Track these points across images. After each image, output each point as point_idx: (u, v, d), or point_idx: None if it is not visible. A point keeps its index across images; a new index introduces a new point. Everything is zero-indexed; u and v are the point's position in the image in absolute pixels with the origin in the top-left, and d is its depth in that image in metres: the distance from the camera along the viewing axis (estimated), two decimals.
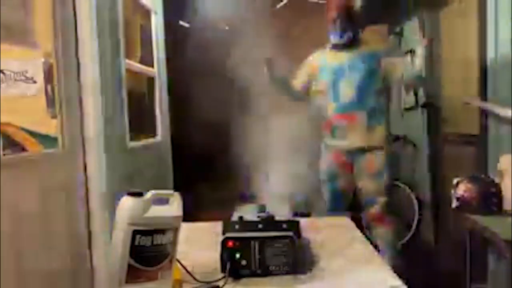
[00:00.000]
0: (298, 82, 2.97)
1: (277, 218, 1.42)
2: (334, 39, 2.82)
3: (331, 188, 2.90)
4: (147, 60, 3.59)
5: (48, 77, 2.30)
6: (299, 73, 2.99)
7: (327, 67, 2.83)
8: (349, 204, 2.95)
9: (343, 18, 2.78)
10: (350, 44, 2.79)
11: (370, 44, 2.88)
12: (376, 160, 2.80)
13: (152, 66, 3.65)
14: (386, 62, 2.79)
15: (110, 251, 1.06)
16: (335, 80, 2.77)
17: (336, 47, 2.83)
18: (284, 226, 1.36)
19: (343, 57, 2.79)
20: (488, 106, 2.58)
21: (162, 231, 1.09)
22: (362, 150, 2.79)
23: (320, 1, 4.34)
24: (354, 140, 2.78)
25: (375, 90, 2.77)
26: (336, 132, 2.81)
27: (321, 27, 3.36)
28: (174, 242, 1.13)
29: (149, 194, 1.08)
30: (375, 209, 2.82)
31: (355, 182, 2.88)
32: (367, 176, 2.82)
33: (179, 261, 1.25)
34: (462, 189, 2.28)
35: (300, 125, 3.86)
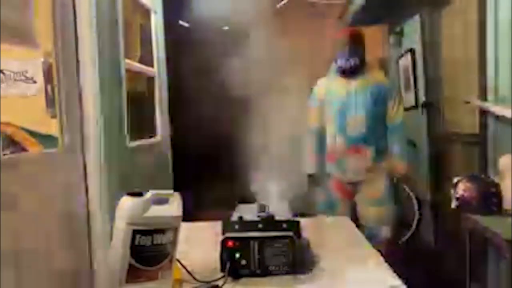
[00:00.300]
0: (313, 122, 2.93)
1: (277, 218, 1.42)
2: (340, 62, 2.77)
3: (329, 212, 2.83)
4: (147, 60, 3.58)
5: (48, 77, 2.30)
6: (311, 111, 2.94)
7: (334, 95, 2.79)
8: None
9: (353, 43, 2.75)
10: (356, 71, 2.76)
11: (374, 74, 2.84)
12: (379, 187, 2.78)
13: (152, 66, 3.65)
14: (390, 105, 2.76)
15: (110, 251, 1.06)
16: (342, 110, 2.74)
17: (342, 72, 2.79)
18: (284, 226, 1.36)
19: (350, 87, 2.75)
20: (488, 106, 2.58)
21: (162, 231, 1.09)
22: (364, 182, 2.78)
23: (321, 1, 4.34)
24: (360, 173, 2.76)
25: (381, 125, 2.75)
26: (341, 164, 2.78)
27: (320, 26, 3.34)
28: (174, 242, 1.13)
29: (148, 194, 1.08)
30: (379, 246, 2.77)
31: (355, 208, 2.84)
32: (369, 203, 2.79)
33: (179, 261, 1.25)
34: (462, 188, 2.28)
35: (301, 124, 3.87)
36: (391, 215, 2.82)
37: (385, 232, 2.78)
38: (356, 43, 2.77)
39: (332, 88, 2.82)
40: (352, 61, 2.73)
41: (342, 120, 2.73)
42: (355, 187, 2.81)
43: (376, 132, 2.73)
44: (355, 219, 2.81)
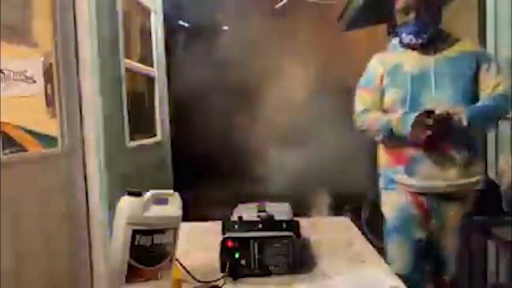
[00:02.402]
0: (363, 105, 1.99)
1: (277, 218, 1.42)
2: (407, 38, 1.89)
3: (406, 240, 1.92)
4: (147, 60, 3.59)
5: (48, 76, 2.30)
6: (363, 93, 2.01)
7: (401, 73, 1.90)
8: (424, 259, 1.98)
9: (422, 9, 1.83)
10: (432, 43, 1.88)
11: (463, 43, 1.92)
12: (467, 209, 1.90)
13: (152, 66, 3.65)
14: (484, 79, 1.85)
15: (110, 251, 1.06)
16: (414, 92, 1.86)
17: (413, 46, 1.91)
18: (284, 226, 1.36)
19: (427, 61, 1.88)
20: None
21: (161, 231, 1.09)
22: (452, 195, 1.86)
23: (320, 1, 4.34)
24: (444, 179, 1.84)
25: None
26: (415, 167, 1.86)
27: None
28: (174, 242, 1.13)
29: (148, 194, 1.08)
30: (449, 276, 1.96)
31: (429, 232, 1.92)
32: (451, 232, 1.90)
33: (179, 261, 1.25)
34: None
35: (302, 124, 3.87)
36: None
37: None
38: (426, 7, 1.84)
39: (398, 64, 1.92)
40: (426, 36, 1.85)
41: (415, 105, 1.83)
42: (436, 206, 1.88)
43: None
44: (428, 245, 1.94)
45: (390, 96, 1.93)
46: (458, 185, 1.84)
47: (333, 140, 3.44)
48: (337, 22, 4.94)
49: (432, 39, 1.87)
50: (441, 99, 1.83)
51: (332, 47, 4.27)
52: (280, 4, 4.46)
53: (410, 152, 1.86)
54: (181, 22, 4.53)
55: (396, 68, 1.93)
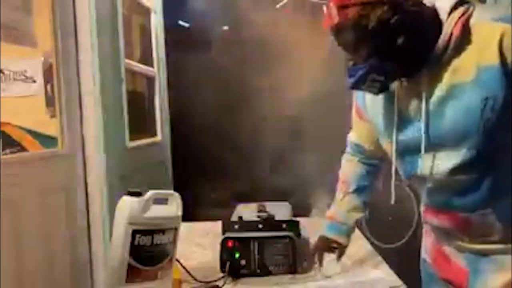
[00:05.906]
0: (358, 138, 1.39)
1: (277, 218, 1.42)
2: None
3: None
4: (147, 60, 3.58)
5: (48, 76, 2.30)
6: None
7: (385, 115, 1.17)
8: None
9: (350, 38, 1.04)
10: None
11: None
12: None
13: (152, 66, 3.65)
14: None
15: (110, 251, 1.06)
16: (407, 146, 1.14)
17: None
18: (284, 226, 1.37)
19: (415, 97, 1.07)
20: None
21: (161, 231, 1.09)
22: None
23: (320, 1, 4.34)
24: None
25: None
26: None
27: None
28: (173, 242, 1.13)
29: (148, 194, 1.08)
30: None
31: None
32: None
33: (179, 261, 1.25)
34: None
35: (302, 123, 3.87)
36: None
37: None
38: (360, 35, 1.02)
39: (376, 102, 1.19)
40: (357, 75, 1.07)
41: (412, 161, 1.15)
42: (471, 266, 1.14)
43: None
44: None
45: (386, 143, 1.22)
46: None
47: (333, 140, 3.43)
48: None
49: (366, 82, 1.06)
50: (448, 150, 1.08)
51: (333, 47, 4.26)
52: (281, 4, 4.46)
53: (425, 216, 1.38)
54: (181, 22, 4.53)
55: (377, 110, 1.20)
